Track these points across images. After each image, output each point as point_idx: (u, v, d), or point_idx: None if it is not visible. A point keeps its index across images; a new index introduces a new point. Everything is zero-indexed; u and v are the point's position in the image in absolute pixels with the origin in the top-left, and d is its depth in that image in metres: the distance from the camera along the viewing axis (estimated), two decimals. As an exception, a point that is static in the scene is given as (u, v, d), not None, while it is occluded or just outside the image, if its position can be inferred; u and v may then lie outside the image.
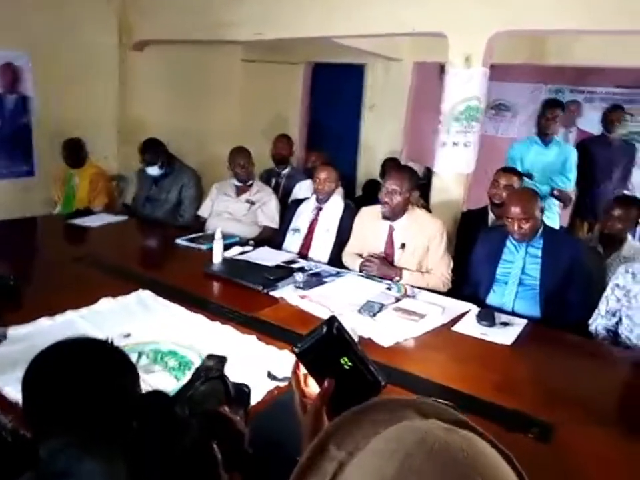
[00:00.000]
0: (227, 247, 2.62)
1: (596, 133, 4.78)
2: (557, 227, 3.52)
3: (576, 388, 1.60)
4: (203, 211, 3.41)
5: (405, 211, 2.51)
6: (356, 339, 1.68)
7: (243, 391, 1.12)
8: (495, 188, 2.90)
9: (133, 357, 1.59)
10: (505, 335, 1.89)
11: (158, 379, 1.50)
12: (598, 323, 2.18)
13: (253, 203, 3.30)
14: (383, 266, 2.47)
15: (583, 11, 2.81)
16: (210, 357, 1.12)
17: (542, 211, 2.29)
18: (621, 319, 2.13)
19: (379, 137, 5.29)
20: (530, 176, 3.43)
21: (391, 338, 1.76)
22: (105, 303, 1.94)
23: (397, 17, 3.27)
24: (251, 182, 3.37)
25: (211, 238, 2.68)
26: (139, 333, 1.75)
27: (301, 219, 2.96)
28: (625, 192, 3.69)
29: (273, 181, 3.85)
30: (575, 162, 3.50)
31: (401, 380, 1.52)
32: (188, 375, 1.51)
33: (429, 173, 3.71)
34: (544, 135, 3.56)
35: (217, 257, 2.52)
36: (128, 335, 1.74)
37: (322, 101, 5.81)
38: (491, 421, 1.35)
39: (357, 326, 1.80)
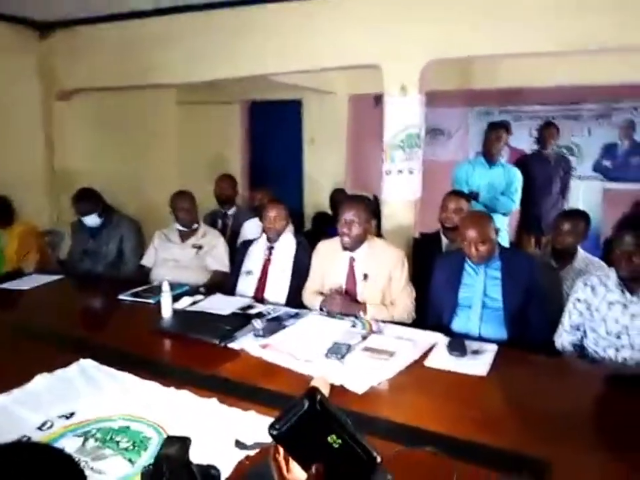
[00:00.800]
0: (176, 298, 2.44)
1: (526, 151, 4.99)
2: (507, 244, 3.57)
3: (562, 414, 1.53)
4: (147, 260, 3.21)
5: (364, 241, 2.45)
6: (328, 389, 1.56)
7: (211, 476, 0.97)
8: (445, 212, 2.90)
9: (78, 442, 1.41)
10: (478, 364, 1.82)
11: (109, 465, 1.31)
12: (563, 338, 2.17)
13: (200, 247, 3.14)
14: (346, 302, 2.37)
15: (508, 36, 2.92)
16: (170, 440, 0.95)
17: (497, 232, 2.29)
18: (585, 333, 2.12)
19: (322, 169, 5.29)
20: (476, 196, 3.48)
21: (364, 383, 1.65)
22: (41, 380, 1.71)
23: (331, 51, 3.28)
24: (196, 226, 3.21)
25: (157, 290, 2.50)
26: (84, 410, 1.55)
27: (253, 260, 2.83)
28: (565, 204, 3.82)
29: (219, 222, 3.71)
30: (520, 184, 3.61)
31: (378, 428, 1.41)
32: (144, 457, 1.34)
33: (376, 201, 3.69)
34: (489, 156, 3.64)
35: (166, 310, 2.34)
36: (71, 415, 1.53)
37: (261, 138, 5.78)
38: (478, 464, 1.27)
39: (326, 373, 1.68)
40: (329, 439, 0.72)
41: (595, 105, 5.49)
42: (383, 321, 2.26)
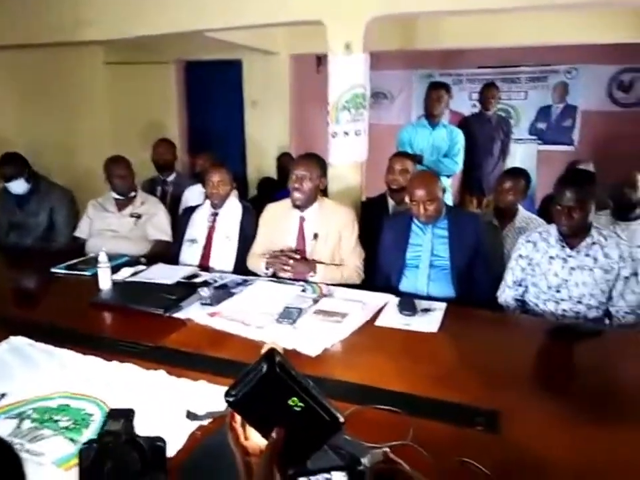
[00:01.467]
0: (115, 270, 2.31)
1: (466, 114, 5.05)
2: (450, 204, 3.63)
3: (508, 366, 1.59)
4: (81, 232, 3.01)
5: (315, 200, 2.41)
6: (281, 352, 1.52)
7: (157, 448, 0.90)
8: (391, 174, 2.89)
9: (12, 424, 1.30)
10: (428, 322, 1.84)
11: (48, 446, 1.21)
12: (506, 294, 2.24)
13: (139, 217, 2.98)
14: (297, 263, 2.32)
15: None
16: (112, 414, 0.88)
17: (444, 191, 2.30)
18: (527, 288, 2.20)
19: (265, 133, 5.14)
20: (420, 159, 3.49)
21: (317, 346, 1.62)
22: (-33, 361, 1.57)
23: (272, 6, 3.13)
24: (133, 193, 3.03)
25: (94, 262, 2.34)
26: (17, 391, 1.43)
27: (197, 227, 2.72)
28: (505, 167, 3.91)
29: (158, 189, 3.54)
30: (462, 145, 3.63)
31: (333, 390, 1.39)
32: (87, 435, 1.26)
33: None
34: (431, 117, 3.64)
35: (105, 282, 2.21)
36: (2, 396, 1.42)
37: (200, 101, 5.51)
38: (435, 419, 1.28)
39: (278, 338, 1.64)
40: (289, 402, 0.68)
41: (532, 67, 5.63)
42: (333, 284, 2.25)
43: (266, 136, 5.13)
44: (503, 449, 1.19)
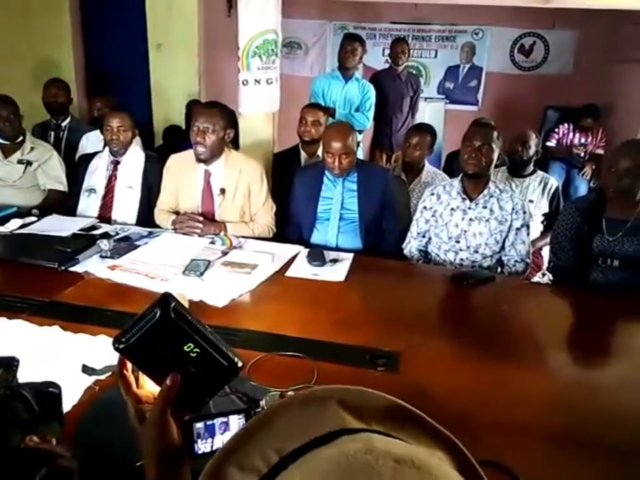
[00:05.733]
0: (1, 221, 2.11)
1: (379, 69, 5.08)
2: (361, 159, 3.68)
3: (410, 312, 1.67)
4: (-40, 181, 2.70)
5: (221, 153, 2.29)
6: (186, 304, 1.48)
7: (49, 395, 0.83)
8: (303, 125, 2.86)
9: None
10: (336, 271, 1.88)
11: None
12: (411, 245, 2.33)
13: (29, 164, 2.71)
14: (205, 226, 2.22)
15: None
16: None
17: (357, 145, 2.31)
18: (430, 239, 2.30)
19: (172, 78, 4.83)
20: (332, 113, 3.47)
21: (224, 296, 1.60)
22: None
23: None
24: (21, 138, 2.74)
25: (-25, 213, 2.12)
26: None
27: (95, 176, 2.53)
28: (415, 122, 4.00)
29: (52, 135, 3.24)
30: (373, 100, 3.65)
31: (241, 339, 1.40)
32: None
33: (233, 115, 3.49)
34: (344, 70, 3.60)
35: (-11, 235, 2.01)
36: None
37: (98, 41, 5.04)
38: (338, 362, 1.32)
39: (184, 290, 1.59)
40: (185, 348, 0.65)
41: (442, 26, 5.74)
42: (244, 237, 2.21)
43: (173, 82, 4.82)
44: (402, 386, 1.26)
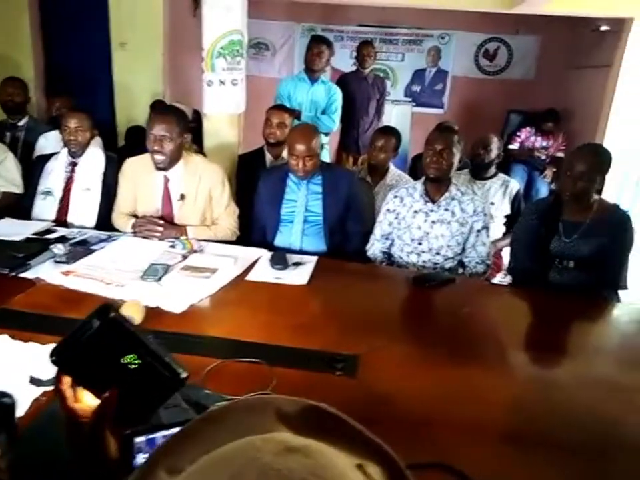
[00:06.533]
0: (-50, 225, 2.02)
1: (347, 71, 5.10)
2: (327, 162, 3.68)
3: (372, 314, 1.67)
4: None
5: (179, 159, 2.24)
6: (141, 311, 1.45)
7: (2, 405, 0.79)
8: (268, 127, 2.84)
9: None
10: (299, 275, 1.87)
11: None
12: (375, 247, 2.34)
13: (-19, 165, 2.61)
14: (165, 230, 2.17)
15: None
16: None
17: (321, 147, 2.31)
18: (393, 241, 2.32)
19: (136, 78, 4.74)
20: (298, 115, 3.46)
21: (182, 302, 1.57)
22: None
23: None
24: (-26, 138, 2.64)
25: None
26: None
27: (52, 178, 2.45)
28: (381, 124, 4.03)
29: (8, 135, 3.13)
30: (340, 102, 3.65)
31: (199, 346, 1.37)
32: None
33: (198, 115, 3.45)
34: (311, 72, 3.60)
35: (-64, 239, 1.92)
36: None
37: (59, 39, 4.89)
38: (297, 367, 1.31)
39: (141, 296, 1.56)
40: (125, 359, 0.63)
41: (408, 30, 5.80)
42: (206, 240, 2.18)
43: (137, 81, 4.73)
44: (360, 389, 1.26)
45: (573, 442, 1.15)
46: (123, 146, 3.98)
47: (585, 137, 4.53)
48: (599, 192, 2.03)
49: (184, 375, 0.67)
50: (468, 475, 0.98)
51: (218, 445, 0.38)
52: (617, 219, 2.01)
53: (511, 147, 4.88)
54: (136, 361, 0.64)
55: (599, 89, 4.70)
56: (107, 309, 0.64)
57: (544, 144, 4.85)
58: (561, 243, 2.01)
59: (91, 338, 0.63)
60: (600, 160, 1.96)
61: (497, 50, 5.76)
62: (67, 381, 0.63)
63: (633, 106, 4.50)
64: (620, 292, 2.08)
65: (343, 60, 5.80)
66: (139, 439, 0.65)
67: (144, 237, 2.14)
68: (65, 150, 2.46)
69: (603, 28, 4.79)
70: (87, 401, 0.64)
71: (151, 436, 0.66)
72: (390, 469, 0.41)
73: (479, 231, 2.19)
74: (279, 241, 2.34)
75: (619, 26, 4.53)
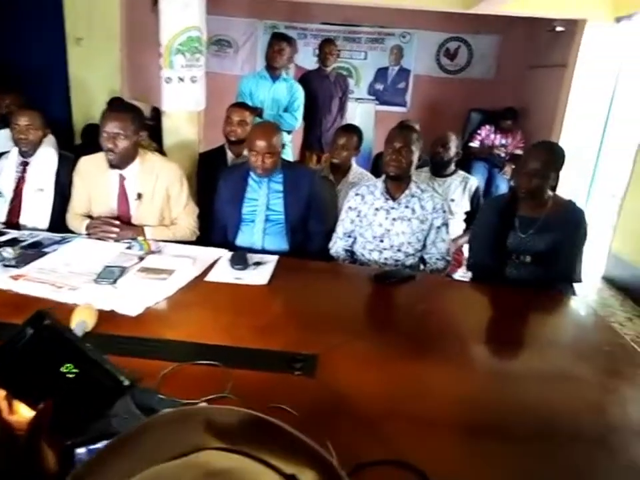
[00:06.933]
0: None
1: (310, 69, 5.10)
2: (290, 160, 3.66)
3: (332, 313, 1.67)
4: None
5: (135, 157, 2.18)
6: (94, 316, 1.40)
7: None
8: (228, 125, 2.81)
9: None
10: (259, 275, 1.85)
11: None
12: (337, 245, 2.34)
13: None
14: (122, 230, 2.11)
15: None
16: None
17: (283, 146, 2.29)
18: (355, 239, 2.32)
19: (93, 74, 4.61)
20: (260, 113, 3.44)
21: (138, 305, 1.53)
22: None
23: None
24: None
25: None
26: None
27: (2, 178, 2.35)
28: (345, 123, 4.03)
29: (-48, 134, 2.98)
30: (302, 100, 3.64)
31: (154, 350, 1.33)
32: None
33: (157, 113, 3.37)
34: (272, 69, 3.57)
35: None
36: None
37: (10, 34, 4.71)
38: (256, 369, 1.29)
39: (95, 299, 1.51)
40: (62, 368, 0.61)
41: (371, 28, 5.84)
42: (164, 241, 2.13)
43: (94, 78, 4.61)
44: (319, 389, 1.25)
45: (525, 431, 1.18)
46: (80, 144, 3.87)
47: (542, 135, 4.67)
48: (554, 188, 2.09)
49: (126, 382, 0.65)
50: (422, 470, 0.99)
51: (143, 461, 0.36)
52: (571, 215, 2.06)
53: (471, 144, 4.97)
54: (74, 370, 0.61)
55: (555, 88, 4.84)
56: (42, 316, 0.61)
57: (503, 142, 4.96)
58: (517, 239, 2.06)
59: (25, 346, 0.60)
60: (553, 157, 2.01)
61: (458, 49, 5.86)
62: (0, 393, 0.61)
63: (587, 104, 4.65)
64: (575, 285, 2.14)
65: (307, 58, 5.80)
66: (80, 450, 0.62)
67: (99, 239, 2.08)
68: (16, 149, 2.37)
69: (559, 29, 4.93)
70: (22, 412, 0.62)
71: (92, 446, 0.63)
72: (327, 475, 0.40)
73: (438, 227, 2.22)
74: (241, 240, 2.32)
75: (574, 27, 4.68)
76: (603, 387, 1.39)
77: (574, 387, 1.38)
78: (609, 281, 4.07)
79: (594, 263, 4.16)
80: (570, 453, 1.13)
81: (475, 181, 2.99)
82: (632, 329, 3.35)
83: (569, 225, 2.04)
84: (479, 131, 5.05)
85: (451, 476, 1.01)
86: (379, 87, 6.00)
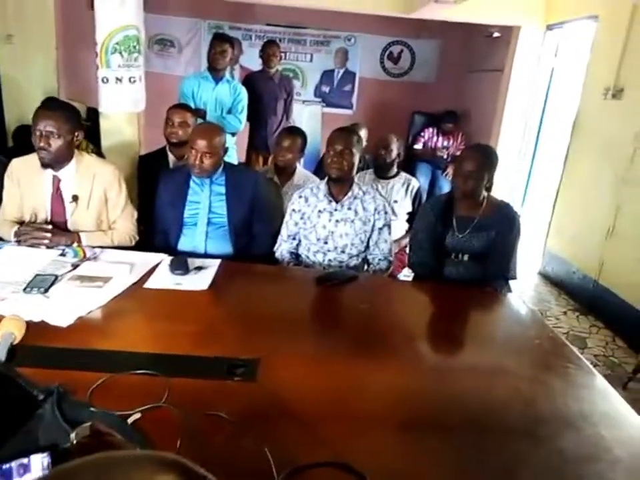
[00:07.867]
0: None
1: (256, 70, 5.07)
2: (235, 162, 3.63)
3: (275, 316, 1.66)
4: None
5: (71, 158, 2.09)
6: (23, 327, 1.34)
7: None
8: (169, 127, 2.75)
9: None
10: (200, 280, 1.82)
11: None
12: (282, 247, 2.34)
13: None
14: (55, 237, 2.01)
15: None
16: None
17: (226, 150, 2.26)
18: (300, 241, 2.33)
19: (26, 73, 4.40)
20: (203, 114, 3.38)
21: (70, 314, 1.46)
22: None
23: None
24: None
25: None
26: None
27: None
28: (290, 124, 4.04)
29: None
30: (245, 102, 3.61)
31: (86, 361, 1.28)
32: None
33: (95, 113, 3.25)
34: (214, 71, 3.52)
35: None
36: None
37: None
38: (195, 376, 1.27)
39: (23, 310, 1.43)
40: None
41: (316, 31, 5.87)
42: (102, 247, 2.06)
43: (27, 77, 4.39)
44: (259, 394, 1.24)
45: (461, 425, 1.22)
46: (12, 147, 3.68)
47: (481, 137, 4.84)
48: (489, 189, 2.16)
49: (41, 397, 0.62)
50: (360, 471, 1.00)
51: None
52: (505, 214, 2.15)
53: (415, 146, 5.10)
54: (-19, 388, 0.58)
55: (493, 92, 5.03)
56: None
57: (445, 144, 5.11)
58: (455, 238, 2.12)
59: None
60: (487, 159, 2.09)
61: (401, 53, 5.98)
62: None
63: (523, 108, 4.86)
64: (510, 282, 2.22)
65: (252, 59, 5.75)
66: (5, 466, 0.59)
67: (30, 246, 1.98)
68: (-63, 152, 2.22)
69: (495, 35, 5.14)
70: None
71: (5, 466, 0.60)
72: None
73: (380, 228, 2.25)
74: (183, 244, 2.27)
75: (509, 33, 4.88)
76: (534, 380, 1.45)
77: (507, 381, 1.43)
78: (545, 277, 4.28)
79: (531, 260, 4.35)
80: (503, 444, 1.18)
81: (417, 182, 3.06)
82: (566, 323, 3.53)
83: (504, 224, 2.12)
84: (422, 133, 5.18)
85: (390, 475, 1.03)
86: (325, 89, 6.05)
